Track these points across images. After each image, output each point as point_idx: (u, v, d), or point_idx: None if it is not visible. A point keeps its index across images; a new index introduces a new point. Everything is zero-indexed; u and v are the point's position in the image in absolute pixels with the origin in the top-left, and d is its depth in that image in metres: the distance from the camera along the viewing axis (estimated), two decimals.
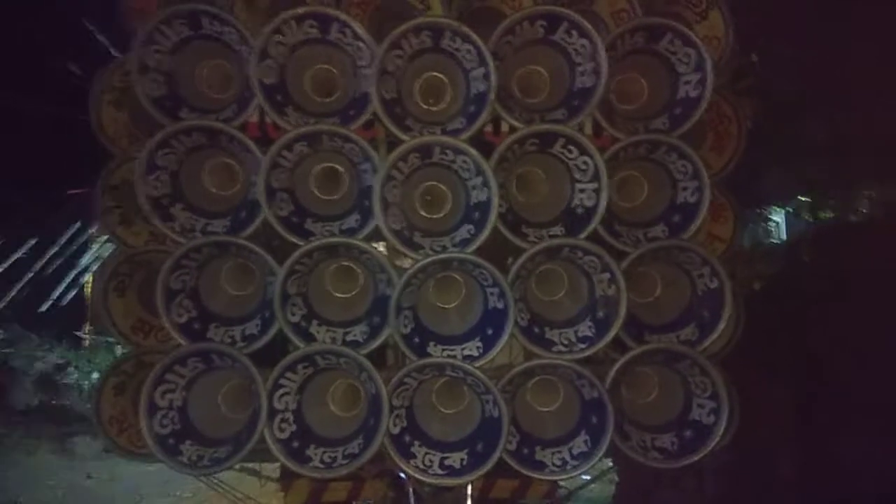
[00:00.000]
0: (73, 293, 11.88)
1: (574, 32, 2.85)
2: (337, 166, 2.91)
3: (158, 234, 2.90)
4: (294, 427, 2.73)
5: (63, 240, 11.92)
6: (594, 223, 2.80)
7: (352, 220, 2.85)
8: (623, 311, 2.73)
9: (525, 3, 3.17)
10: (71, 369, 10.57)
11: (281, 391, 2.71)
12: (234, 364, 2.71)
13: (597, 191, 2.80)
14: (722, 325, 2.85)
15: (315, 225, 2.83)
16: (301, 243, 2.72)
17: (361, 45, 2.78)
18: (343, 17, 2.77)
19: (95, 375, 10.19)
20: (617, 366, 2.76)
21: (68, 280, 11.81)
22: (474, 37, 2.73)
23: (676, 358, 2.85)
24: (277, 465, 2.96)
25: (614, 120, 3.00)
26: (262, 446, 2.69)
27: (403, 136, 2.77)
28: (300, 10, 2.72)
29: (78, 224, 11.84)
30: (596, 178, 2.80)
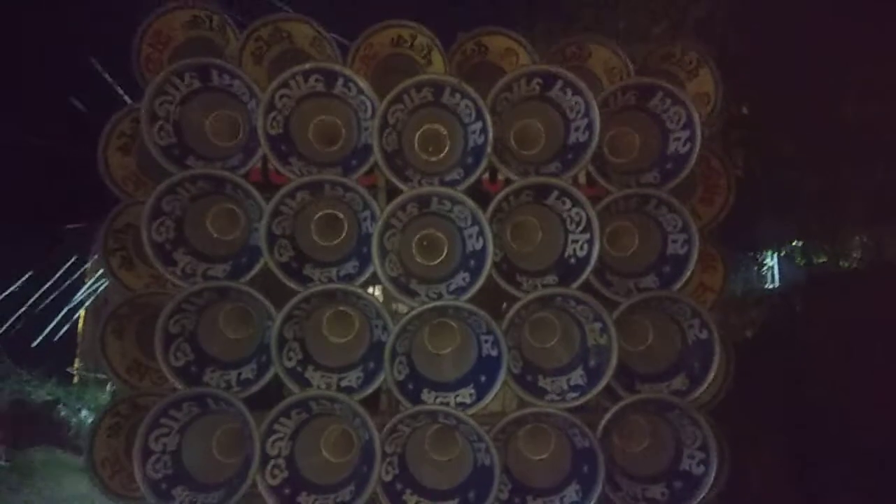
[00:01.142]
0: (65, 328, 11.80)
1: (568, 90, 2.97)
2: (338, 213, 2.99)
3: (159, 277, 2.94)
4: (286, 473, 2.73)
5: (58, 274, 11.89)
6: (586, 273, 2.86)
7: (350, 267, 2.91)
8: (614, 360, 2.78)
9: (522, 60, 3.30)
10: (60, 406, 10.42)
11: (274, 437, 2.73)
12: (229, 408, 2.72)
13: (589, 241, 2.87)
14: (711, 376, 2.89)
15: (314, 270, 2.89)
16: (300, 289, 2.77)
17: (364, 98, 2.88)
18: (348, 72, 2.88)
19: (84, 413, 10.05)
20: (608, 415, 2.79)
21: (61, 315, 11.74)
22: (473, 93, 2.85)
23: (667, 408, 2.88)
24: None
25: (607, 173, 3.10)
26: (254, 491, 2.69)
27: (403, 186, 2.86)
28: (307, 66, 2.84)
29: (73, 259, 11.84)
30: (588, 228, 2.88)
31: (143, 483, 2.64)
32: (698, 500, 2.79)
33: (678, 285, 2.98)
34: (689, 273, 2.99)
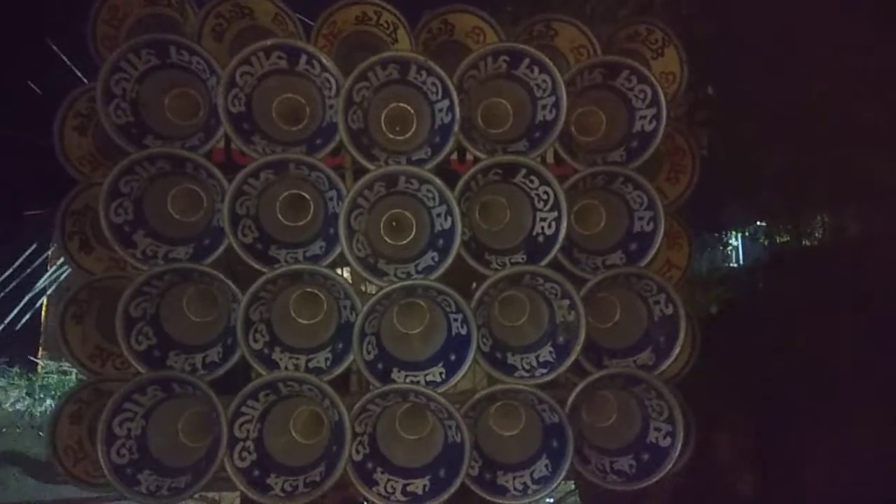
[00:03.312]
0: (27, 317, 11.50)
1: (535, 68, 2.96)
2: (303, 193, 2.94)
3: (119, 261, 2.87)
4: (255, 455, 2.71)
5: (18, 262, 11.57)
6: (554, 251, 2.88)
7: (316, 247, 2.87)
8: (582, 336, 2.81)
9: (489, 37, 3.28)
10: (23, 395, 10.20)
11: (242, 419, 2.70)
12: (194, 392, 2.69)
13: (557, 219, 2.88)
14: (677, 350, 2.94)
15: (279, 251, 2.84)
16: (265, 270, 2.73)
17: (329, 76, 2.83)
18: (311, 49, 2.82)
19: (49, 402, 9.85)
20: (577, 390, 2.83)
21: (23, 303, 11.44)
22: (440, 71, 2.81)
23: (634, 382, 2.93)
24: (237, 494, 2.93)
25: (574, 151, 3.11)
26: (222, 475, 2.66)
27: (370, 165, 2.82)
28: (268, 43, 2.77)
29: (34, 246, 11.52)
30: (556, 207, 2.89)
31: (107, 469, 2.59)
32: (665, 471, 2.85)
33: (644, 262, 3.02)
34: (655, 250, 3.02)
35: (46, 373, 10.51)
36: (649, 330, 3.05)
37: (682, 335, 2.93)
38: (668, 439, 2.87)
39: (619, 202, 3.11)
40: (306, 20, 3.27)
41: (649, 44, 3.48)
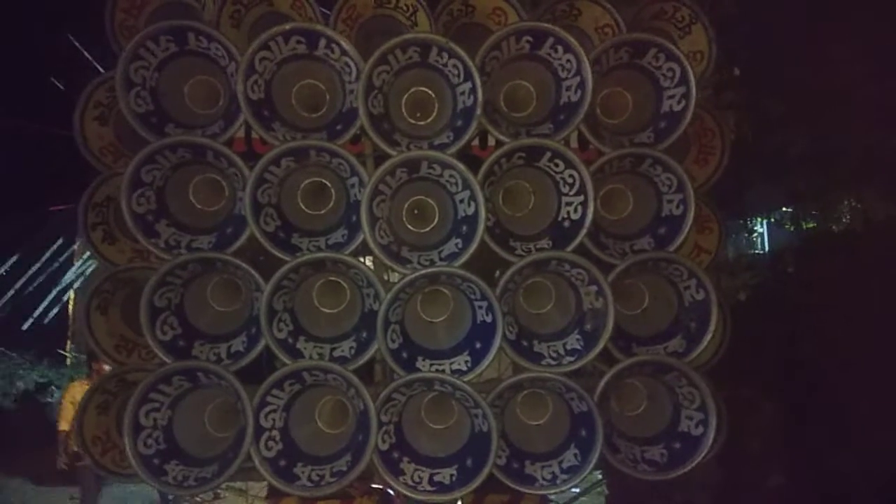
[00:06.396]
0: (55, 311, 11.71)
1: (559, 48, 2.88)
2: (324, 181, 2.91)
3: (143, 251, 2.87)
4: (281, 445, 2.70)
5: (45, 257, 11.76)
6: (581, 236, 2.81)
7: (339, 235, 2.84)
8: (611, 323, 2.74)
9: (511, 18, 3.20)
10: (52, 388, 10.39)
11: (268, 409, 2.68)
12: (219, 382, 2.67)
13: (583, 204, 2.81)
14: (709, 337, 2.86)
15: (302, 240, 2.82)
16: (288, 258, 2.70)
17: (348, 60, 2.78)
18: (330, 33, 2.78)
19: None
20: (605, 378, 2.76)
21: (51, 297, 11.64)
22: (461, 52, 2.75)
23: (664, 369, 2.86)
24: (265, 483, 2.92)
25: (600, 134, 3.03)
26: (249, 465, 2.65)
27: (391, 151, 2.77)
28: (287, 27, 2.73)
29: (60, 241, 11.70)
30: (582, 191, 2.81)
31: (134, 459, 2.60)
32: (697, 460, 2.78)
33: (674, 246, 2.94)
34: (685, 234, 2.94)
35: (74, 366, 10.69)
36: (679, 316, 2.97)
37: (713, 320, 2.85)
38: (701, 428, 2.80)
39: (647, 185, 3.03)
40: (325, 11, 3.23)
41: (676, 22, 3.37)
